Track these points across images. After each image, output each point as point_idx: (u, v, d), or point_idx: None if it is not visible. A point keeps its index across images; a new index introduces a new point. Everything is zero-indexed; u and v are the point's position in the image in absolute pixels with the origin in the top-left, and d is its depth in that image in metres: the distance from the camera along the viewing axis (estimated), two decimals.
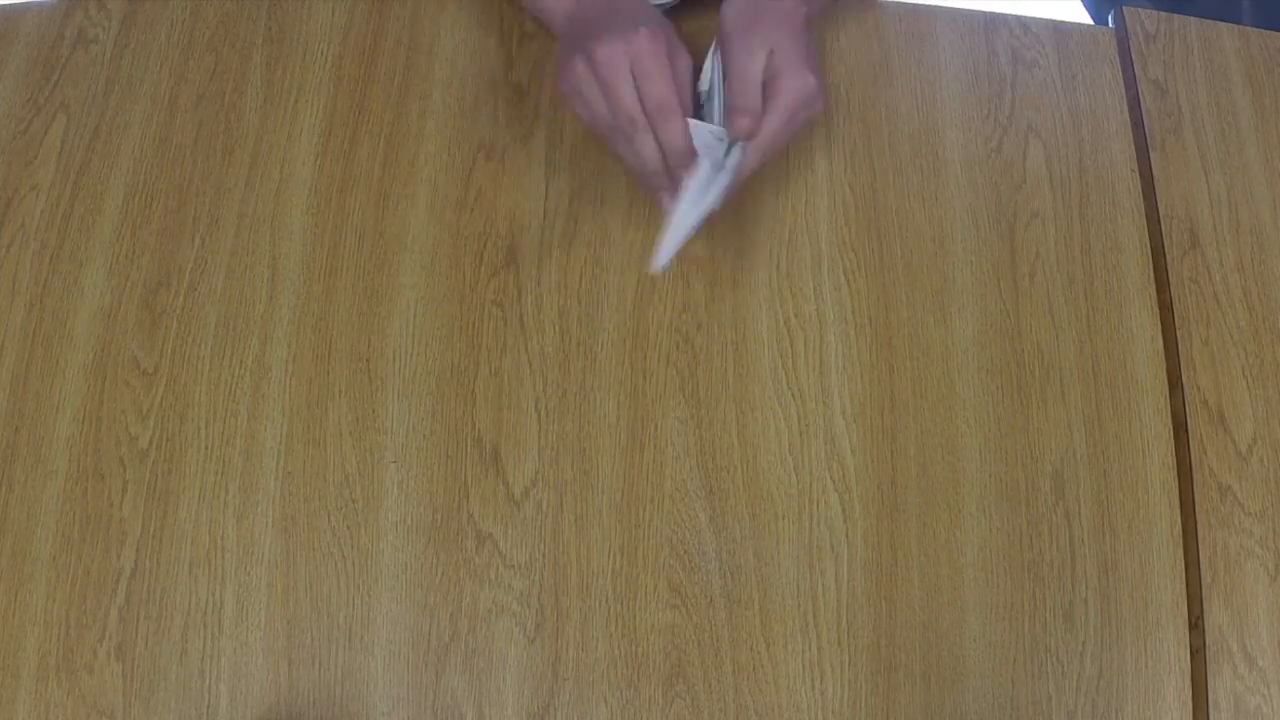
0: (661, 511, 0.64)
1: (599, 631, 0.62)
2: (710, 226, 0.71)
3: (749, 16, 0.64)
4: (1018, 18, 0.80)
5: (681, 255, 0.70)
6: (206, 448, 0.64)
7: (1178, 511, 0.66)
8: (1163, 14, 0.81)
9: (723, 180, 0.63)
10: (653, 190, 0.65)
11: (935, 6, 0.80)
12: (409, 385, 0.66)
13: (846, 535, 0.64)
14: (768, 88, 0.62)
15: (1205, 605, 0.64)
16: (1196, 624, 0.64)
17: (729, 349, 0.68)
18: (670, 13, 0.76)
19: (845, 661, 0.62)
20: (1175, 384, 0.69)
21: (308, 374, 0.66)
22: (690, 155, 0.62)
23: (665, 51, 0.61)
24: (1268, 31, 0.81)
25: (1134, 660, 0.63)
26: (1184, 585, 0.64)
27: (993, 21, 0.79)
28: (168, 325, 0.67)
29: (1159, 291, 0.71)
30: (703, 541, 0.64)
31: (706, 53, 0.67)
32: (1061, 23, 0.80)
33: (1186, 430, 0.68)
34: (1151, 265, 0.72)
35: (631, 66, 0.61)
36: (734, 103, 0.62)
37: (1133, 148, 0.76)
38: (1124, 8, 0.81)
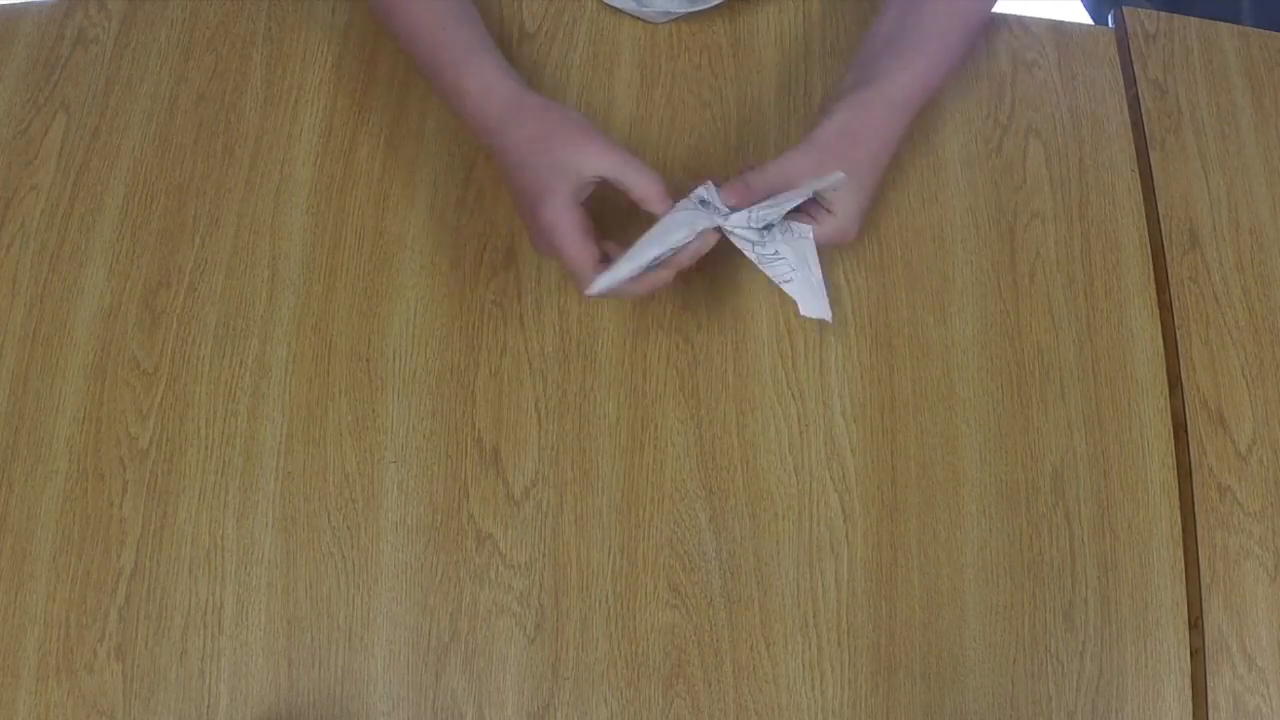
0: (661, 511, 0.64)
1: (599, 631, 0.62)
2: None
3: (846, 141, 0.62)
4: (1018, 18, 0.80)
5: None
6: (206, 448, 0.64)
7: (1178, 511, 0.66)
8: (1163, 14, 0.81)
9: (689, 236, 0.61)
10: None
11: None
12: (409, 385, 0.66)
13: (846, 535, 0.64)
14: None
15: (1205, 605, 0.64)
16: (1196, 624, 0.64)
17: (729, 349, 0.68)
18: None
19: (845, 661, 0.62)
20: (1175, 384, 0.69)
21: (308, 374, 0.66)
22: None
23: (560, 219, 0.60)
24: (1268, 31, 0.81)
25: (1134, 660, 0.63)
26: (1184, 585, 0.64)
27: (993, 21, 0.79)
28: (168, 325, 0.67)
29: (1159, 291, 0.71)
30: (703, 541, 0.64)
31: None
32: (1061, 23, 0.80)
33: (1186, 430, 0.68)
34: (1151, 265, 0.72)
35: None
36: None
37: (1133, 148, 0.76)
38: (1124, 8, 0.81)
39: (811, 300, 0.62)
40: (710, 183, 0.61)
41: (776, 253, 0.62)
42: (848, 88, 0.65)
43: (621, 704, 0.61)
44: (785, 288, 0.61)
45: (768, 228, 0.61)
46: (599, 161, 0.60)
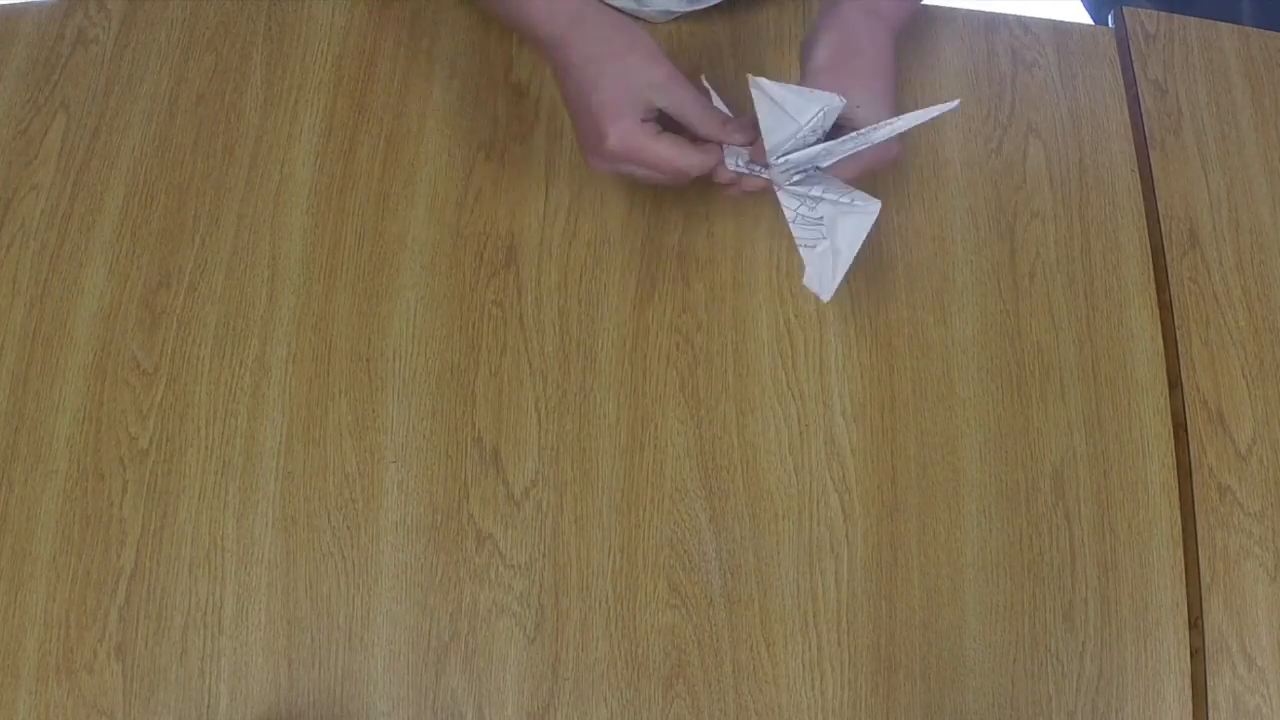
0: (661, 511, 0.64)
1: (599, 631, 0.62)
2: (711, 227, 0.71)
3: (838, 63, 0.61)
4: (1018, 18, 0.80)
5: (682, 256, 0.70)
6: (206, 448, 0.64)
7: (1178, 511, 0.66)
8: (1163, 14, 0.81)
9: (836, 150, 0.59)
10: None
11: (935, 6, 0.80)
12: (409, 385, 0.66)
13: (846, 535, 0.64)
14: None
15: (1205, 605, 0.64)
16: (1196, 624, 0.64)
17: (729, 349, 0.68)
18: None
19: (845, 661, 0.62)
20: (1175, 384, 0.69)
21: (308, 374, 0.66)
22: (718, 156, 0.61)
23: (636, 142, 0.60)
24: (1268, 31, 0.81)
25: (1134, 660, 0.63)
26: (1184, 585, 0.64)
27: (993, 21, 0.79)
28: (168, 325, 0.67)
29: (1159, 291, 0.71)
30: (703, 541, 0.64)
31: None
32: (1061, 23, 0.80)
33: (1186, 430, 0.68)
34: (1151, 265, 0.72)
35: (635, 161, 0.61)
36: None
37: (1133, 148, 0.76)
38: (1124, 8, 0.81)
39: (822, 275, 0.61)
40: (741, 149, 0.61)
41: (821, 218, 0.61)
42: (820, 13, 0.65)
43: (621, 704, 0.61)
44: (801, 250, 0.61)
45: (810, 178, 0.60)
46: (661, 95, 0.60)
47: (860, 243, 0.61)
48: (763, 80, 0.57)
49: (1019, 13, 0.80)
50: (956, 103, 0.60)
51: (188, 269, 0.69)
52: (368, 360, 0.67)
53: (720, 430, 0.66)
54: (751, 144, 0.61)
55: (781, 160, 0.59)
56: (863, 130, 0.58)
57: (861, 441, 0.66)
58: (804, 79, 0.61)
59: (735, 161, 0.61)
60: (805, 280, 0.61)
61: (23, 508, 0.62)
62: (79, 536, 0.62)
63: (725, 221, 0.71)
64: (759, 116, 0.58)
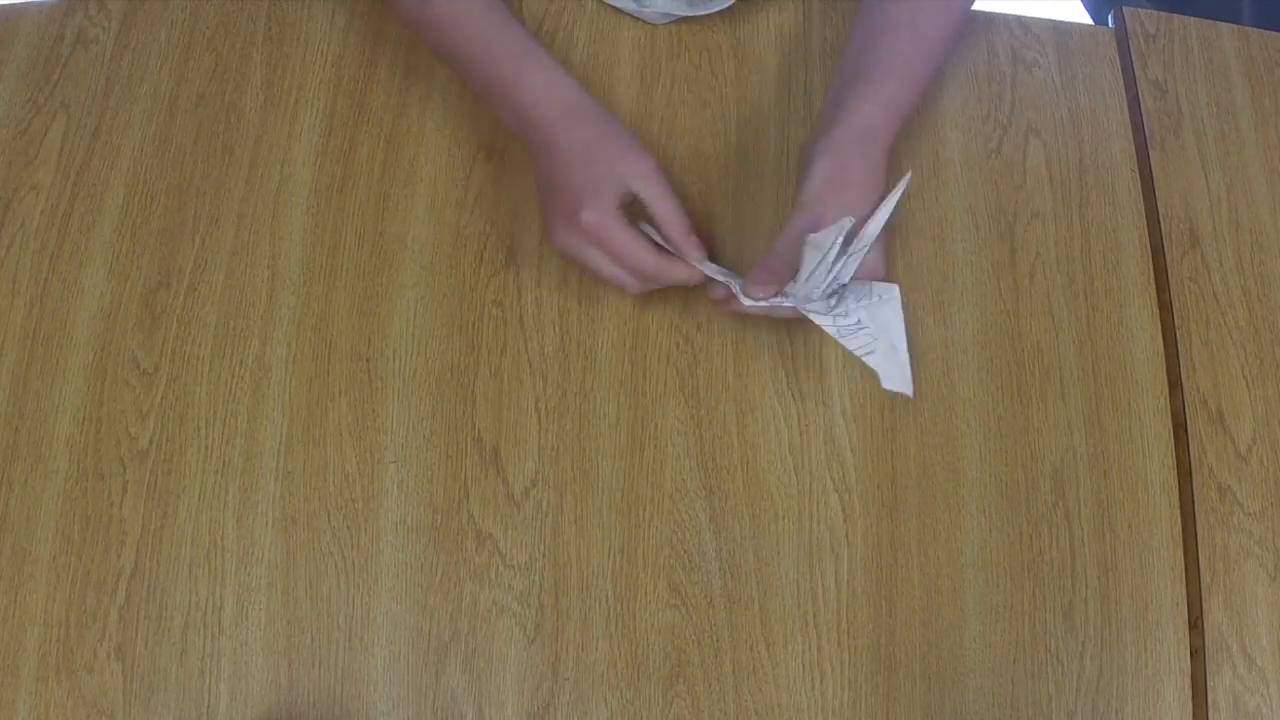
0: (661, 511, 0.64)
1: (599, 631, 0.62)
2: (713, 228, 0.71)
3: (829, 197, 0.61)
4: (1018, 18, 0.80)
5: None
6: (206, 448, 0.64)
7: (1178, 511, 0.66)
8: (1163, 14, 0.81)
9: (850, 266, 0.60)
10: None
11: None
12: (409, 385, 0.66)
13: (846, 535, 0.64)
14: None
15: (1205, 605, 0.64)
16: (1196, 624, 0.64)
17: (729, 349, 0.68)
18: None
19: (845, 661, 0.62)
20: (1175, 384, 0.69)
21: (308, 374, 0.66)
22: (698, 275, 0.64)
23: (609, 222, 0.62)
24: (1268, 31, 0.81)
25: (1134, 660, 0.63)
26: (1184, 585, 0.64)
27: (993, 21, 0.79)
28: (168, 325, 0.67)
29: (1159, 291, 0.71)
30: (703, 541, 0.64)
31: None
32: (1061, 23, 0.80)
33: (1186, 430, 0.68)
34: (1151, 265, 0.72)
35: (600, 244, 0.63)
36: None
37: (1133, 148, 0.76)
38: (1124, 8, 0.81)
39: (895, 375, 0.60)
40: (736, 285, 0.62)
41: (858, 322, 0.61)
42: (820, 129, 0.66)
43: (621, 704, 0.61)
44: (867, 359, 0.60)
45: (838, 295, 0.61)
46: (643, 184, 0.63)
47: (904, 328, 0.61)
48: (813, 235, 0.57)
49: (1019, 13, 0.80)
50: (908, 175, 0.61)
51: (188, 269, 0.69)
52: (368, 360, 0.67)
53: (720, 430, 0.66)
54: (701, 262, 0.63)
55: (822, 300, 0.60)
56: (858, 236, 0.60)
57: (861, 441, 0.66)
58: (797, 208, 0.62)
59: (756, 299, 0.62)
60: (884, 385, 0.60)
61: (23, 508, 0.62)
62: (79, 536, 0.62)
63: (726, 222, 0.71)
64: (804, 263, 0.58)
